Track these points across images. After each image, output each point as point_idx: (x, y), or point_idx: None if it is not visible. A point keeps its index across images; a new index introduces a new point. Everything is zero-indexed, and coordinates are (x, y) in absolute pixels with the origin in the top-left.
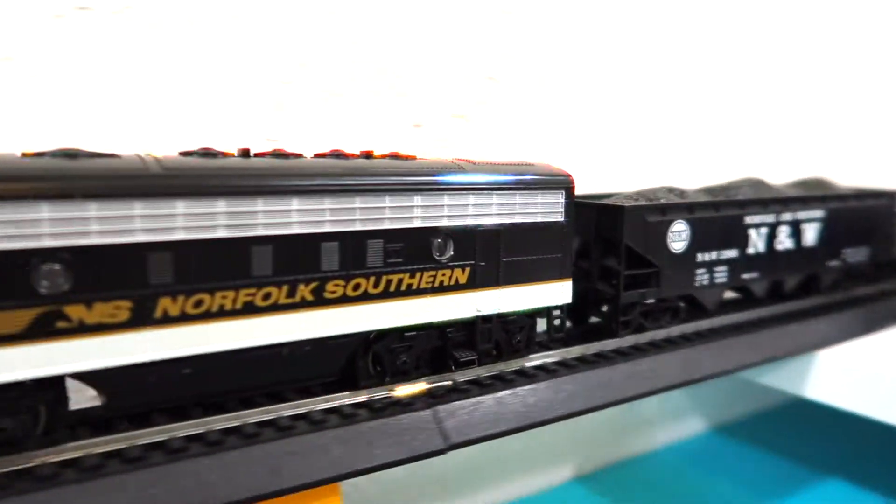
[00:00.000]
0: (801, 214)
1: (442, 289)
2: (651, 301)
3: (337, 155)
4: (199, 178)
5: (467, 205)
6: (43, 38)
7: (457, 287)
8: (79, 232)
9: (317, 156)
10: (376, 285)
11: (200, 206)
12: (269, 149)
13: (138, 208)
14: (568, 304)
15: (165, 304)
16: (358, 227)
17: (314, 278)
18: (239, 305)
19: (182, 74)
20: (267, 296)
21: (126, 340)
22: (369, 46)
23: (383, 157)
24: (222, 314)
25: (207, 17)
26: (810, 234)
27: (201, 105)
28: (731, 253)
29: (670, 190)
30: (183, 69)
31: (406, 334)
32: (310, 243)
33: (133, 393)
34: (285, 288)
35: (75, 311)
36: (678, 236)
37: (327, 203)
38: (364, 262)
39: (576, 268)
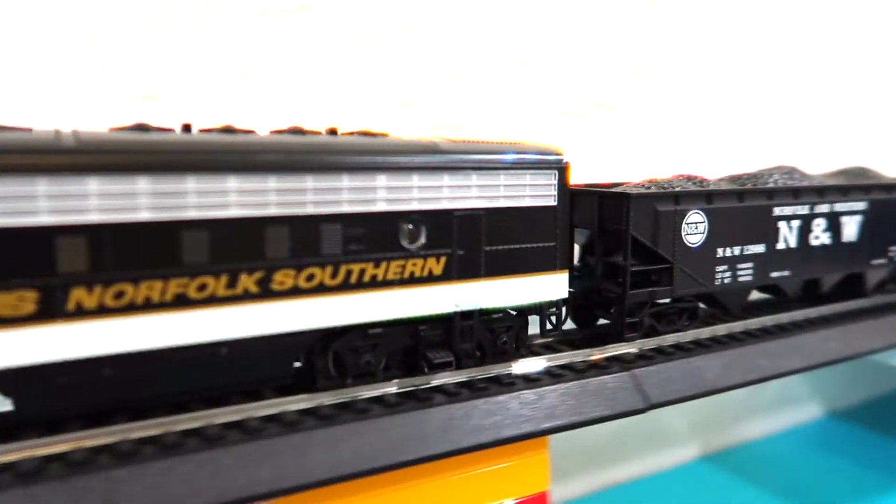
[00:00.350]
0: (841, 206)
1: (412, 280)
2: (664, 301)
3: (295, 131)
4: (117, 153)
5: (441, 186)
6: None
7: (430, 279)
8: None
9: (273, 133)
10: (334, 276)
11: (118, 184)
12: (220, 125)
13: (43, 186)
14: (564, 299)
15: (79, 296)
16: (310, 209)
17: (259, 267)
18: (168, 297)
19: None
20: (202, 286)
21: (32, 336)
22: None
23: (349, 134)
24: (148, 307)
25: None
26: (851, 229)
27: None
28: (758, 248)
29: (689, 179)
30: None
31: (370, 332)
32: (253, 227)
33: (44, 397)
34: (224, 278)
35: None
36: (694, 228)
37: (272, 182)
38: (319, 250)
39: (582, 264)
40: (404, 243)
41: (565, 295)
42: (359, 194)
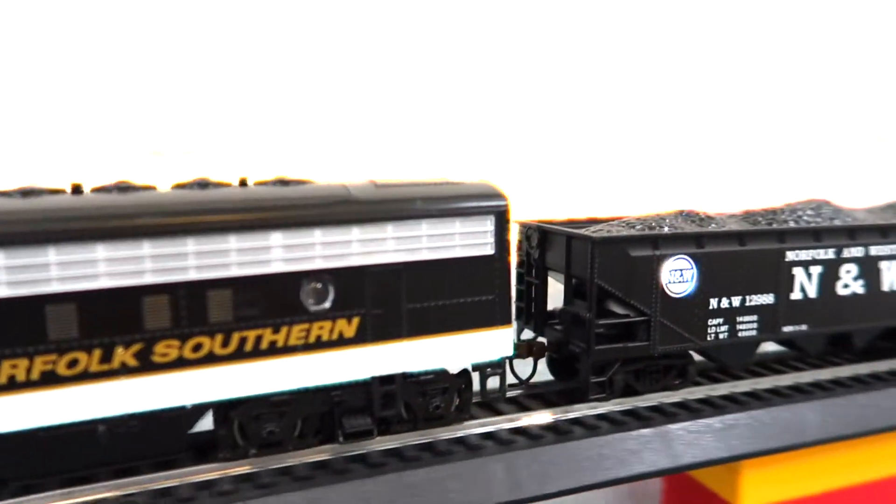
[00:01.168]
0: (880, 249)
1: (319, 345)
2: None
3: (201, 184)
4: None
5: (350, 241)
6: None
7: (341, 342)
8: None
9: (173, 187)
10: (225, 344)
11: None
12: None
13: None
14: (508, 357)
15: None
16: (193, 275)
17: (136, 339)
18: (35, 376)
19: None
20: (73, 363)
21: None
22: None
23: (261, 183)
24: (11, 387)
25: None
26: (894, 276)
27: None
28: (765, 298)
29: (687, 215)
30: None
31: (274, 399)
32: (127, 298)
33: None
34: (97, 352)
35: None
36: (678, 276)
37: (147, 248)
38: (205, 318)
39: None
40: (308, 305)
41: (508, 353)
42: (249, 255)
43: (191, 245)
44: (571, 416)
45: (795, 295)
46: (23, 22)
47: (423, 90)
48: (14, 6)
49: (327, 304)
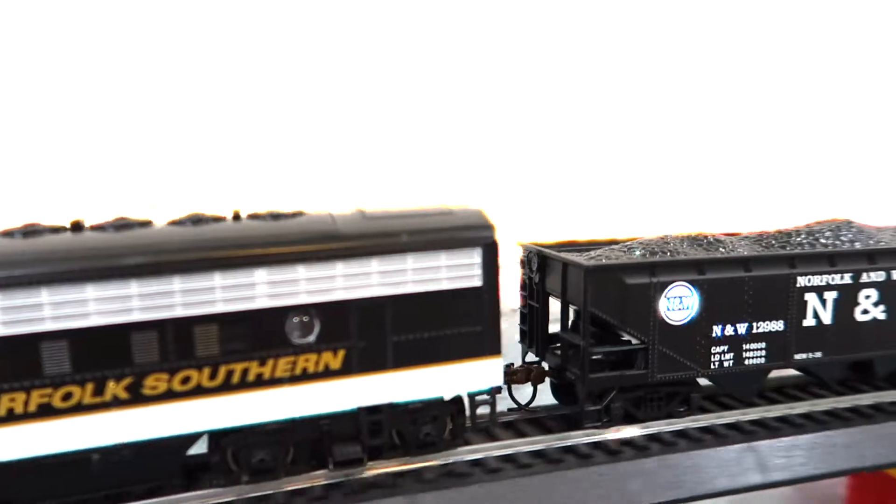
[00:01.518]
0: None
1: (306, 377)
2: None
3: (194, 220)
4: None
5: (334, 276)
6: None
7: (327, 374)
8: None
9: (170, 223)
10: (212, 377)
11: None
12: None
13: None
14: (498, 387)
15: None
16: (179, 312)
17: (126, 374)
18: (32, 408)
19: None
20: (67, 395)
21: None
22: None
23: (254, 216)
24: (12, 419)
25: None
26: None
27: None
28: (774, 325)
29: (695, 239)
30: None
31: (264, 429)
32: (117, 335)
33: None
34: (90, 386)
35: None
36: (678, 303)
37: (134, 288)
38: (193, 352)
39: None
40: (294, 339)
41: (498, 383)
42: (234, 292)
43: (177, 284)
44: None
45: (808, 321)
46: (26, 76)
47: (424, 104)
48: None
49: (312, 338)
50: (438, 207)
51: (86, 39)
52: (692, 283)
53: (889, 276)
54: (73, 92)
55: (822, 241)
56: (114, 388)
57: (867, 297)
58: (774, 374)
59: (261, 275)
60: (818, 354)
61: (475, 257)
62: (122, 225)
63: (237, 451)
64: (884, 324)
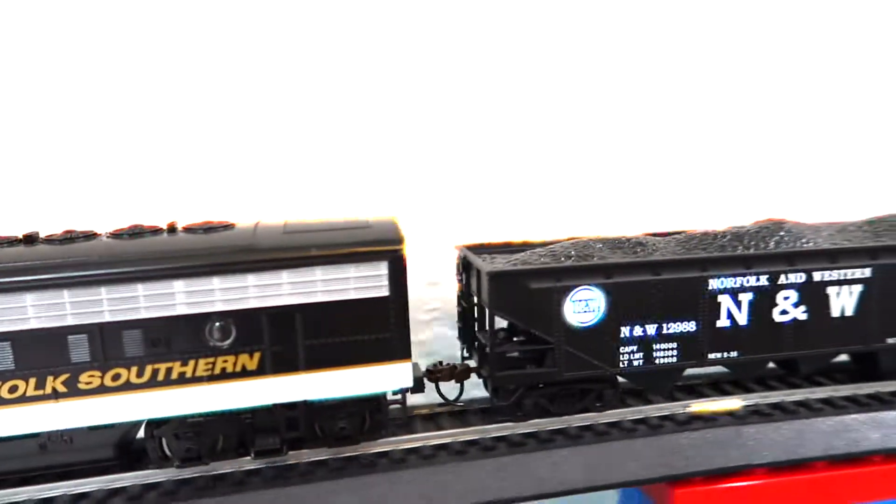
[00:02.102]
0: (826, 275)
1: (225, 376)
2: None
3: (131, 233)
4: None
5: (247, 286)
6: None
7: (245, 374)
8: None
9: (111, 234)
10: (140, 375)
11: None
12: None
13: None
14: (406, 388)
15: None
16: (108, 318)
17: (63, 370)
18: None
19: None
20: (13, 388)
21: None
22: None
23: (190, 228)
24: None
25: None
26: (847, 301)
27: None
28: (686, 326)
29: (617, 242)
30: None
31: (189, 421)
32: (54, 336)
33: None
34: (32, 380)
35: None
36: (583, 306)
37: (67, 297)
38: (122, 352)
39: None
40: (212, 342)
41: (408, 384)
42: (156, 300)
43: (104, 293)
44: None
45: (722, 323)
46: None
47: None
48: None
49: (229, 342)
50: (356, 220)
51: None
52: (599, 286)
53: (809, 277)
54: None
55: (747, 242)
56: (53, 382)
57: (786, 298)
58: None
59: (179, 285)
60: (734, 354)
61: (382, 269)
62: (67, 238)
63: (168, 439)
64: (805, 324)
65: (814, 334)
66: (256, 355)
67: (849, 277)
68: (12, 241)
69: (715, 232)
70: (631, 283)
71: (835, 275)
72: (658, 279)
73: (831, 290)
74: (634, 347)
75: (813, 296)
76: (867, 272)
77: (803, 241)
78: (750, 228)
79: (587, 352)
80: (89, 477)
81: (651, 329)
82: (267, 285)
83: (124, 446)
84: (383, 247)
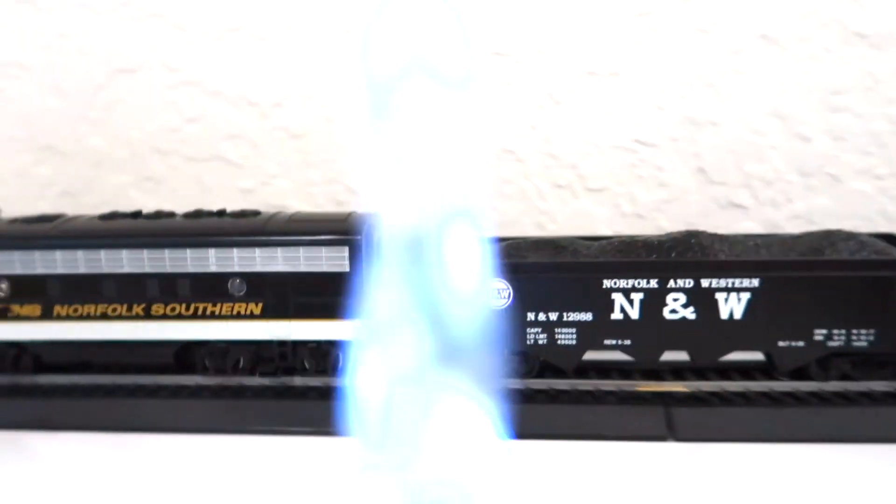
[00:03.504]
0: (713, 282)
1: (240, 317)
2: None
3: (196, 213)
4: (78, 236)
5: (255, 257)
6: None
7: (252, 317)
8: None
9: (183, 215)
10: (187, 309)
11: (69, 254)
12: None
13: (38, 255)
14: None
15: (58, 310)
16: (168, 269)
17: (142, 301)
18: (97, 314)
19: None
20: (114, 310)
21: (41, 327)
22: None
23: (231, 212)
24: (86, 318)
25: None
26: (735, 306)
27: None
28: (583, 316)
29: (544, 242)
30: None
31: (219, 345)
32: (137, 279)
33: (56, 356)
34: (124, 306)
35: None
36: (496, 294)
37: (146, 254)
38: (176, 294)
39: None
40: (232, 292)
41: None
42: (198, 262)
43: (167, 253)
44: None
45: (616, 315)
46: None
47: None
48: None
49: (243, 293)
50: (340, 214)
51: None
52: (508, 279)
53: (698, 283)
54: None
55: (661, 250)
56: (136, 309)
57: (675, 299)
58: None
59: (212, 252)
60: (627, 342)
61: (344, 252)
62: (154, 216)
63: (204, 356)
64: (693, 322)
65: (704, 333)
66: (260, 304)
67: (736, 286)
68: (123, 216)
69: (639, 239)
70: (536, 278)
71: (722, 283)
72: (557, 276)
73: (720, 296)
74: (539, 329)
75: (701, 299)
76: (755, 282)
77: (705, 251)
78: (666, 239)
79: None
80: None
81: (553, 316)
82: (268, 258)
83: (179, 356)
84: (345, 236)
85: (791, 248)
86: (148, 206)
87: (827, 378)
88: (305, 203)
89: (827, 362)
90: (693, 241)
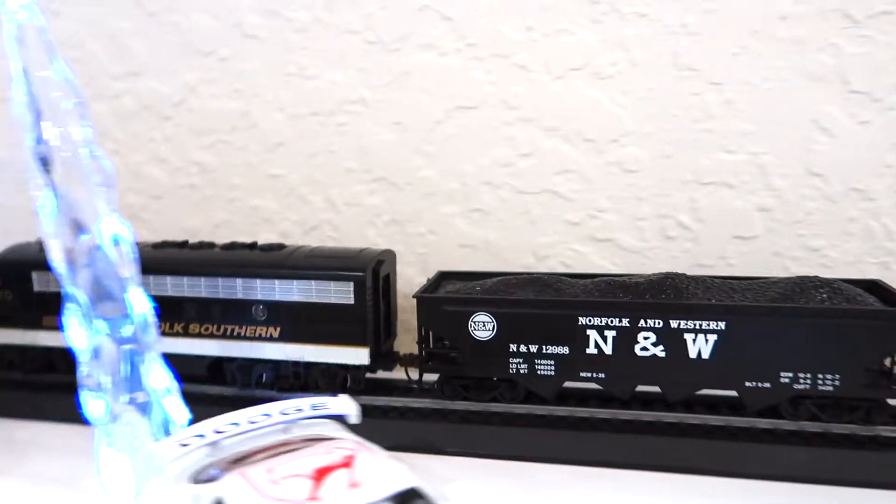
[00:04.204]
0: (681, 323)
1: (261, 339)
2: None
3: (230, 246)
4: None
5: (274, 287)
6: None
7: (271, 339)
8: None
9: (220, 246)
10: (217, 330)
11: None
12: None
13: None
14: (365, 365)
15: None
16: (204, 294)
17: (182, 321)
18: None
19: None
20: (167, 327)
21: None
22: None
23: (258, 245)
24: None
25: None
26: (703, 347)
27: None
28: (561, 349)
29: (536, 279)
30: None
31: (244, 364)
32: (177, 301)
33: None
34: (167, 324)
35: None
36: (482, 325)
37: (185, 281)
38: (210, 316)
39: None
40: (255, 317)
41: (365, 362)
42: (228, 289)
43: (202, 282)
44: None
45: (591, 350)
46: None
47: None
48: None
49: (264, 318)
50: (351, 250)
51: None
52: (492, 313)
53: (667, 323)
54: None
55: (639, 291)
56: (176, 328)
57: (646, 337)
58: None
59: (238, 282)
60: (601, 375)
61: (350, 287)
62: (195, 246)
63: (231, 371)
64: (663, 360)
65: (674, 370)
66: (278, 328)
67: (704, 328)
68: (171, 245)
69: (624, 277)
70: (517, 313)
71: (690, 324)
72: (537, 313)
73: (688, 336)
74: (520, 360)
75: (670, 339)
76: (721, 325)
77: (684, 294)
78: (643, 281)
79: (486, 358)
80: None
81: (533, 348)
82: (285, 289)
83: (211, 369)
84: (351, 272)
85: (764, 293)
86: (473, 235)
87: (797, 418)
88: (631, 236)
89: (797, 403)
90: (669, 282)
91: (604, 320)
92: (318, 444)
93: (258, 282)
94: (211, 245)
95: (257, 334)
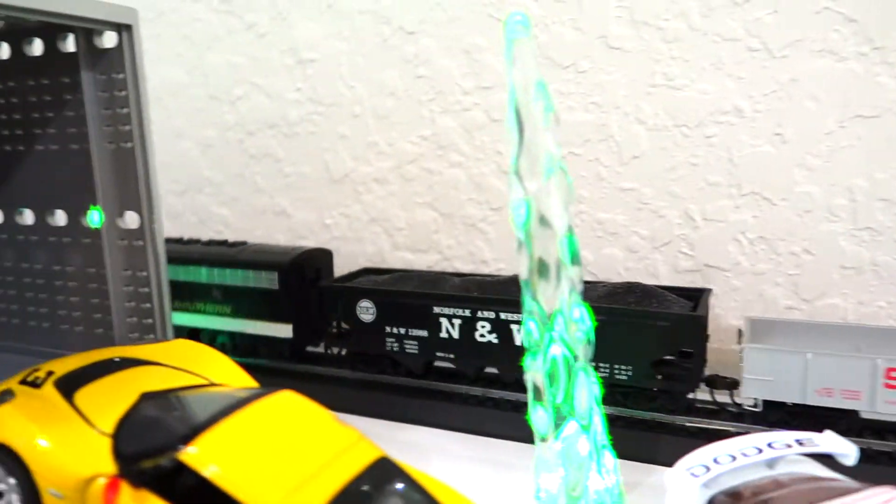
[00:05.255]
0: (508, 315)
1: (220, 314)
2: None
3: (208, 242)
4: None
5: (226, 274)
6: None
7: (225, 314)
8: None
9: (206, 242)
10: (226, 308)
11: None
12: None
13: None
14: (289, 338)
15: None
16: (216, 281)
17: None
18: None
19: None
20: (181, 305)
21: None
22: None
23: (231, 243)
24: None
25: None
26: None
27: None
28: (421, 332)
29: (427, 274)
30: None
31: (209, 332)
32: (197, 286)
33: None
34: (201, 303)
35: None
36: (366, 310)
37: (203, 268)
38: (219, 297)
39: None
40: (215, 298)
41: (289, 336)
42: (231, 276)
43: (215, 271)
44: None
45: (443, 334)
46: None
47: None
48: None
49: (220, 299)
50: (288, 248)
51: None
52: (373, 300)
53: (497, 315)
54: None
55: (494, 288)
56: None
57: (483, 325)
58: None
59: (203, 270)
60: (452, 356)
61: (275, 276)
62: (209, 243)
63: (204, 339)
64: (496, 345)
65: (504, 354)
66: (230, 307)
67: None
68: (185, 241)
69: (485, 279)
70: (390, 301)
71: (513, 316)
72: (403, 302)
73: (514, 327)
74: (394, 339)
75: (500, 328)
76: None
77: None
78: (505, 279)
79: (369, 337)
80: None
81: (402, 330)
82: (242, 276)
83: (191, 335)
84: (279, 263)
85: (591, 293)
86: (859, 257)
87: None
88: None
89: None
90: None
91: (452, 310)
92: (822, 484)
93: (227, 271)
94: (197, 241)
95: (217, 311)
